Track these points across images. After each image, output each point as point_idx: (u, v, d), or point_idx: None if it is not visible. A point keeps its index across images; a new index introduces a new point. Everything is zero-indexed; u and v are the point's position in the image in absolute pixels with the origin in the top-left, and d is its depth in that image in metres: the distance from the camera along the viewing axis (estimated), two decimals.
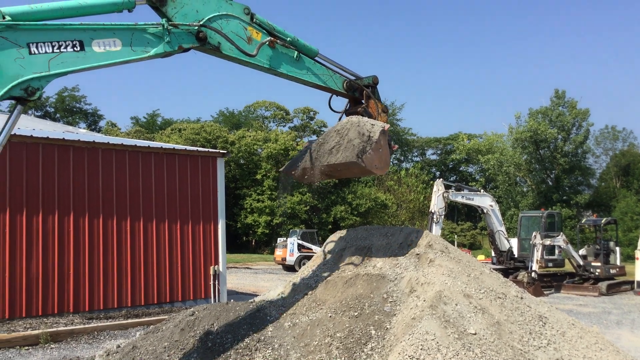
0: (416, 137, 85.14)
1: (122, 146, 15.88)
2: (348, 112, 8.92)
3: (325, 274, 9.82)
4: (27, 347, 11.62)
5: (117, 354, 9.49)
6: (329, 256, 10.58)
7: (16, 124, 5.62)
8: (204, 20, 6.82)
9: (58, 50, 5.66)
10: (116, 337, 12.43)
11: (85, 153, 15.00)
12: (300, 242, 35.57)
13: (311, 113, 75.78)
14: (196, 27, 6.70)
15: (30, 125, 19.86)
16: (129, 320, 13.90)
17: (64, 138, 15.02)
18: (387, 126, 8.34)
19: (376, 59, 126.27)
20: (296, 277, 10.70)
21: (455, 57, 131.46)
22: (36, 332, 12.21)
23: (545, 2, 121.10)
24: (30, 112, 59.70)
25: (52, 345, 11.78)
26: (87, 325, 13.12)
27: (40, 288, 14.00)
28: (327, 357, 7.65)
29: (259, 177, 58.21)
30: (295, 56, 7.84)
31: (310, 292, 9.36)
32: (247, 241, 62.00)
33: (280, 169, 11.04)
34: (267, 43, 7.45)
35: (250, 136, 61.23)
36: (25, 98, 5.52)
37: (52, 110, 68.90)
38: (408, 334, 7.33)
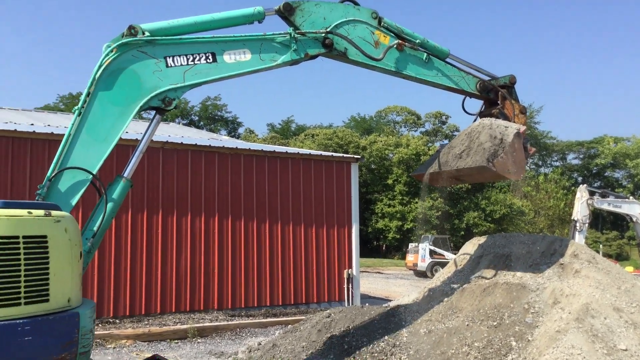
0: (556, 140, 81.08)
1: (262, 152, 16.60)
2: (482, 114, 8.64)
3: (462, 282, 9.66)
4: (176, 341, 12.44)
5: (258, 351, 9.93)
6: (465, 263, 10.40)
7: (155, 131, 6.04)
8: (331, 27, 6.92)
9: (192, 62, 6.00)
10: (256, 334, 12.98)
11: (229, 158, 15.84)
12: (432, 248, 35.13)
13: (443, 117, 74.66)
14: (322, 34, 6.83)
15: (179, 133, 21.31)
16: (268, 319, 14.46)
17: (210, 145, 15.98)
18: (522, 128, 7.99)
19: (512, 58, 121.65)
20: (431, 283, 10.62)
21: (599, 55, 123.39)
22: (184, 326, 13.05)
23: None
24: (177, 120, 63.95)
25: (198, 340, 12.53)
26: (230, 322, 13.81)
27: (188, 285, 14.96)
28: None
29: (390, 182, 58.16)
30: (424, 58, 7.69)
31: (446, 299, 9.25)
32: (378, 246, 62.14)
33: (411, 173, 10.96)
34: (395, 46, 7.39)
35: (381, 141, 61.37)
36: (163, 108, 5.89)
37: (197, 118, 73.35)
38: (552, 347, 7.06)
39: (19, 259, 3.89)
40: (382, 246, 62.27)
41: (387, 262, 51.48)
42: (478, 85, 8.29)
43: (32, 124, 16.85)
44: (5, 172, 13.04)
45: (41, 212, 4.25)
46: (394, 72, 7.56)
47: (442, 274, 10.72)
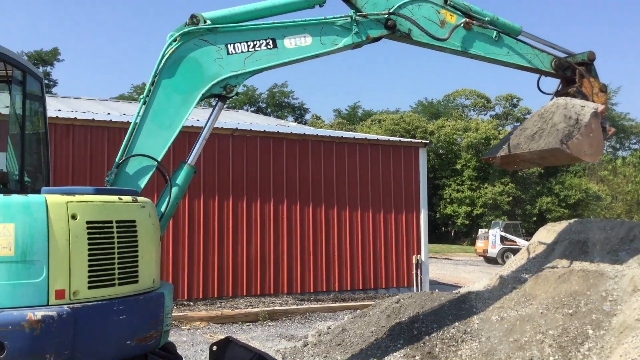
0: (635, 122, 77.50)
1: (330, 138, 16.67)
2: (559, 94, 8.24)
3: (536, 268, 9.45)
4: (248, 323, 12.73)
5: (327, 335, 10.03)
6: (539, 249, 10.15)
7: (217, 118, 6.10)
8: (394, 8, 6.75)
9: (253, 49, 6.00)
10: (325, 319, 13.11)
11: (297, 145, 16.01)
12: (503, 234, 34.39)
13: (514, 100, 72.60)
14: (385, 16, 6.66)
15: (248, 120, 21.66)
16: (337, 304, 14.59)
17: (278, 131, 16.20)
18: (601, 107, 7.58)
19: (589, 35, 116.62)
20: (503, 270, 10.43)
21: None
22: (256, 310, 13.34)
23: None
24: (245, 107, 64.95)
25: (269, 323, 12.78)
26: (299, 306, 14.02)
27: (259, 270, 15.26)
28: (539, 355, 7.38)
29: (458, 167, 57.24)
30: (494, 36, 7.39)
31: (519, 286, 9.08)
32: (446, 232, 61.41)
33: (482, 157, 10.69)
34: (462, 25, 7.13)
35: (449, 125, 60.36)
36: (225, 95, 5.94)
37: (264, 105, 74.21)
38: (631, 336, 6.81)
39: (113, 243, 4.11)
40: (450, 232, 61.50)
41: (455, 248, 50.85)
42: (553, 63, 7.90)
43: (108, 113, 17.53)
44: (85, 159, 13.67)
45: (129, 198, 4.46)
46: (461, 52, 7.29)
47: (515, 261, 10.51)
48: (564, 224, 10.30)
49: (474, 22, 7.24)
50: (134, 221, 4.33)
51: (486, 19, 7.37)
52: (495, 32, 7.41)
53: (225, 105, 6.38)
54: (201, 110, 20.03)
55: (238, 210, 15.13)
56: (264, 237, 15.36)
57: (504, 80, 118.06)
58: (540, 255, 9.90)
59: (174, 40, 5.72)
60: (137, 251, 4.30)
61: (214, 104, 6.22)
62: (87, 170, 13.54)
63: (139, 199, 4.60)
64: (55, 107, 17.43)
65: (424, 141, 18.10)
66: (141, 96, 5.69)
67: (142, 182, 5.53)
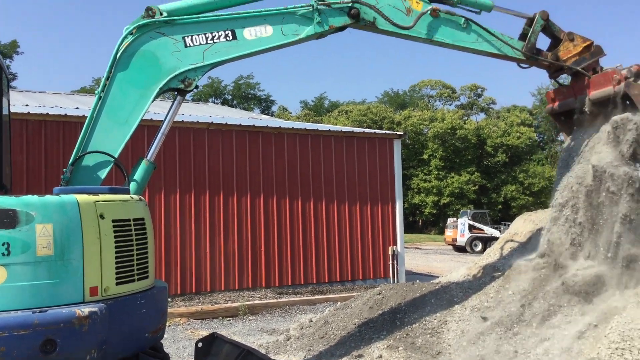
0: None
1: (305, 130, 16.64)
2: (551, 75, 8.04)
3: (513, 258, 9.65)
4: (228, 318, 12.69)
5: (310, 328, 10.09)
6: (516, 238, 10.38)
7: (177, 113, 5.99)
8: None
9: (212, 41, 5.90)
10: (305, 311, 13.16)
11: (272, 138, 15.93)
12: (471, 222, 34.94)
13: (479, 90, 73.58)
14: (348, 4, 6.52)
15: (220, 113, 21.50)
16: (316, 297, 14.64)
17: (254, 125, 16.06)
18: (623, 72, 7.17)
19: None
20: (482, 260, 10.64)
21: None
22: (236, 304, 13.30)
23: None
24: (211, 99, 64.28)
25: (250, 317, 12.77)
26: (279, 300, 14.04)
27: (236, 264, 15.19)
28: None
29: (425, 157, 57.92)
30: (462, 23, 7.17)
31: (497, 276, 9.27)
32: (414, 221, 62.09)
33: None
34: (429, 12, 6.94)
35: (416, 116, 60.93)
36: (183, 89, 5.85)
37: (230, 97, 73.52)
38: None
39: (132, 240, 4.25)
40: (418, 221, 62.19)
41: (424, 237, 51.44)
42: (523, 49, 7.49)
43: (77, 108, 17.20)
44: (58, 156, 13.39)
45: (136, 197, 4.59)
46: (428, 40, 7.09)
47: (493, 250, 10.73)
48: (540, 213, 10.54)
49: (441, 8, 7.07)
50: (143, 219, 4.44)
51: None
52: (463, 19, 7.22)
53: (185, 99, 6.23)
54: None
55: (215, 205, 15.02)
56: (241, 231, 15.29)
57: (468, 70, 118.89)
58: (517, 244, 10.13)
59: (130, 33, 5.61)
60: (146, 248, 4.43)
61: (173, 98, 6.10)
62: (60, 167, 13.25)
63: (141, 197, 4.66)
64: (22, 102, 16.98)
65: (398, 133, 18.23)
66: (96, 91, 5.58)
67: (99, 180, 5.44)
